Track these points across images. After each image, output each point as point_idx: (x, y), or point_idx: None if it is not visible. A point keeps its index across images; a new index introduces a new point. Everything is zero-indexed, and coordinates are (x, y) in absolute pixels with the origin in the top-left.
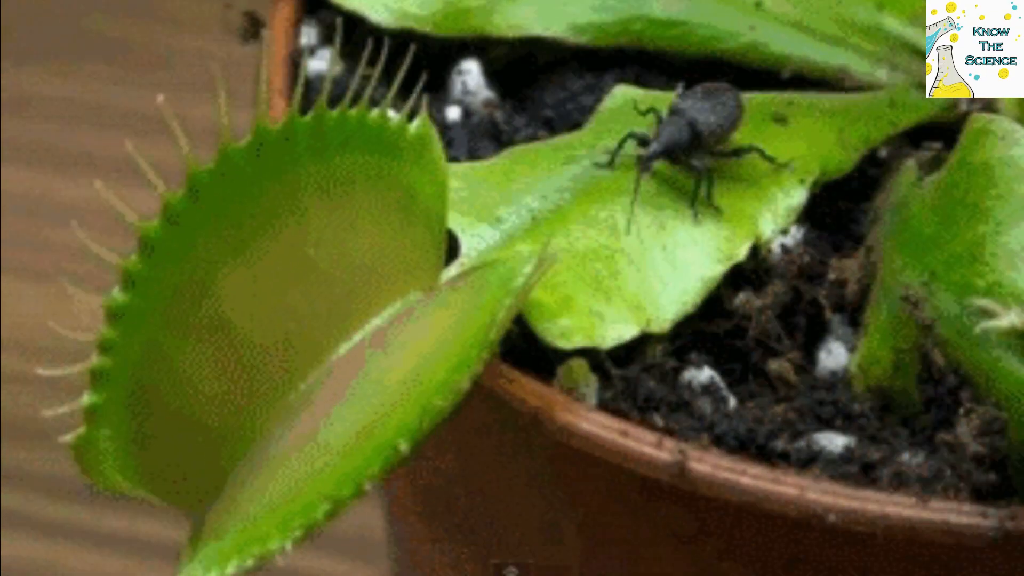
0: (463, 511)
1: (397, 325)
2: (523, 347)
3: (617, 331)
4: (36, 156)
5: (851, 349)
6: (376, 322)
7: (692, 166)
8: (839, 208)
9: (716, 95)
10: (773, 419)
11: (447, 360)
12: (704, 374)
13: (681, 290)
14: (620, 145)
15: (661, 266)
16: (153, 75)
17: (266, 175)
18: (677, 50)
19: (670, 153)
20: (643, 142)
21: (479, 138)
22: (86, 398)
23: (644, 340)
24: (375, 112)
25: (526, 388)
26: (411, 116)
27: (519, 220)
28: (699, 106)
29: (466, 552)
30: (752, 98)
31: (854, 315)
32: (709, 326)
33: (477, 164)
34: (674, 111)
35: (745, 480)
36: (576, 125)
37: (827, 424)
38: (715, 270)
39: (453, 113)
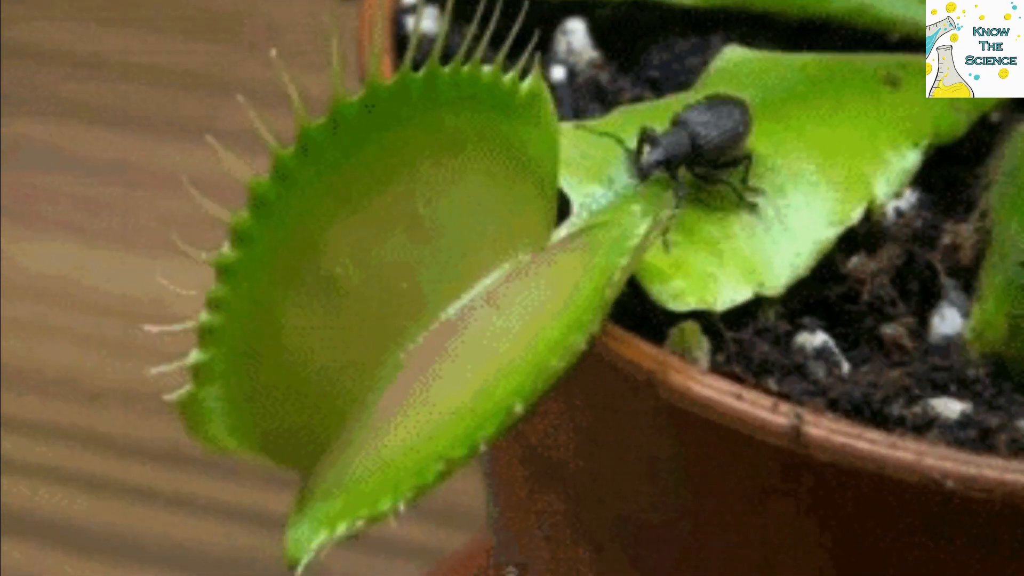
0: (569, 473)
1: (508, 285)
2: (630, 309)
3: (730, 294)
4: (141, 124)
5: (965, 314)
6: (487, 282)
7: (677, 184)
8: (951, 173)
9: (721, 108)
10: (888, 384)
11: (562, 320)
12: (817, 338)
13: (794, 253)
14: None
15: (774, 228)
16: (259, 46)
17: (377, 131)
18: (784, 12)
19: (668, 163)
20: (651, 140)
21: (584, 98)
22: (194, 355)
23: (756, 303)
24: (488, 69)
25: (638, 350)
26: (522, 75)
27: (631, 180)
28: (702, 119)
29: (570, 516)
30: (863, 60)
31: (968, 280)
32: (822, 290)
33: (587, 123)
34: (677, 122)
35: (861, 445)
36: (682, 86)
37: (942, 390)
38: (828, 233)
39: (558, 73)
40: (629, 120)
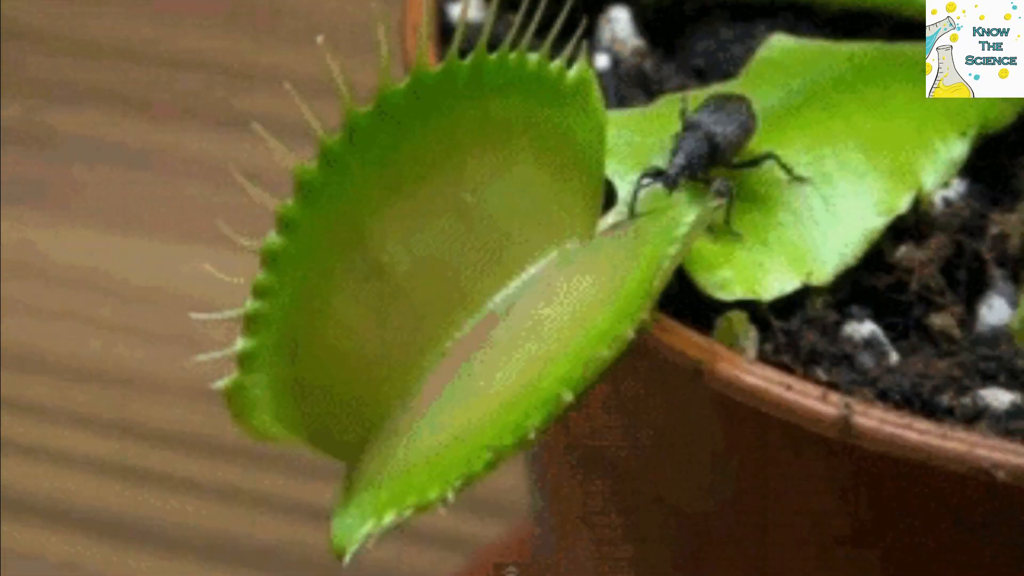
0: (615, 462)
1: (555, 273)
2: (677, 298)
3: (778, 283)
4: (173, 112)
5: (1013, 304)
6: (533, 270)
7: (712, 184)
8: (999, 162)
9: (729, 105)
10: (937, 374)
11: (610, 309)
12: (866, 327)
13: (842, 242)
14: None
15: (822, 217)
16: (295, 36)
17: (423, 118)
18: (830, 1)
19: (691, 168)
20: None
21: (628, 87)
22: (240, 343)
23: (804, 293)
24: (534, 57)
25: (686, 340)
26: (567, 63)
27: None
28: (715, 118)
29: (616, 507)
30: (910, 48)
31: (1016, 270)
32: (870, 279)
33: (633, 111)
34: (690, 125)
35: (911, 435)
36: (727, 75)
37: (992, 380)
38: (876, 222)
39: (601, 61)
40: (673, 109)
